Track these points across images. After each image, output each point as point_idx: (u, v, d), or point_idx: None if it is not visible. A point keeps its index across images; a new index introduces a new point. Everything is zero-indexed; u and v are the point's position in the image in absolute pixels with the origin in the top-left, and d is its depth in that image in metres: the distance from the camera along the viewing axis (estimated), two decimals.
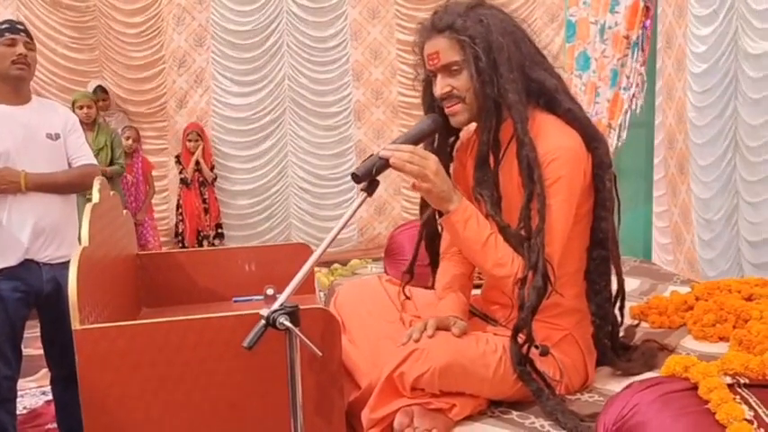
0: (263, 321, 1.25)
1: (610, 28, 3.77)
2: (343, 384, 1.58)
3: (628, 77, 3.68)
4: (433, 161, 1.49)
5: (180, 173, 5.58)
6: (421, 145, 1.58)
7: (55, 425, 2.64)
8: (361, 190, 1.45)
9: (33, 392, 3.37)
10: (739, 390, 1.15)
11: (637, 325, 2.05)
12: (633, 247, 3.97)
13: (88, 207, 1.76)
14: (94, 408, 1.44)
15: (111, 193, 2.13)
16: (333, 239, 1.37)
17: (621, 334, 1.88)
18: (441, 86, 1.59)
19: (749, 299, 2.10)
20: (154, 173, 5.30)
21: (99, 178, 2.00)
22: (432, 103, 1.67)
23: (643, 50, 3.67)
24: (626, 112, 3.77)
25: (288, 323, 1.25)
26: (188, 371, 1.47)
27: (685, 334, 2.05)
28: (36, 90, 2.50)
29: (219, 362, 1.48)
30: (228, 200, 5.91)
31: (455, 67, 1.56)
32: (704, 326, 1.99)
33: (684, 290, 2.31)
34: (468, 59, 1.54)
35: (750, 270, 3.45)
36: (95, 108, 4.45)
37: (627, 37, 3.66)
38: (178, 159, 5.61)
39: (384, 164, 1.45)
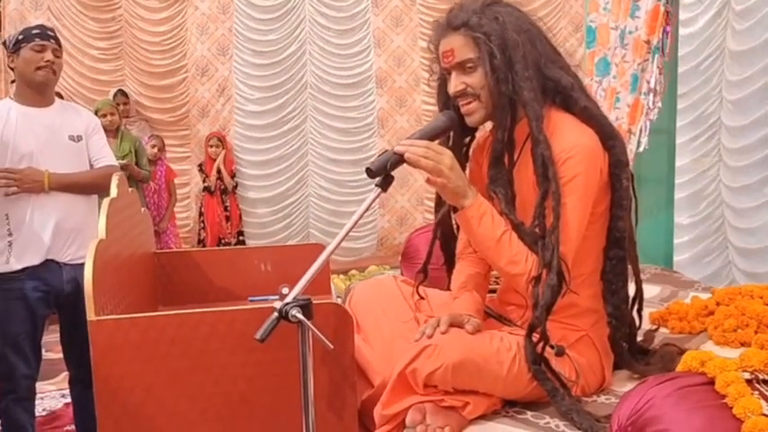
0: (275, 314, 1.25)
1: (630, 33, 3.75)
2: (356, 381, 1.57)
3: (648, 82, 3.66)
4: (447, 156, 1.48)
5: (203, 181, 5.63)
6: (436, 142, 1.57)
7: (73, 427, 2.66)
8: (376, 185, 1.45)
9: (53, 395, 3.40)
10: (758, 385, 1.13)
11: (656, 330, 2.01)
12: (654, 255, 3.91)
13: (106, 201, 1.78)
14: (107, 399, 1.44)
15: (130, 189, 2.16)
16: (348, 232, 1.39)
17: (640, 338, 1.85)
18: (455, 84, 1.59)
19: None
20: (176, 181, 5.35)
21: (117, 174, 2.02)
22: (446, 102, 1.67)
23: (664, 55, 3.65)
24: (645, 117, 3.75)
25: (300, 316, 1.25)
26: (201, 364, 1.47)
27: (706, 339, 2.01)
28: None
29: (232, 355, 1.48)
30: (248, 208, 5.92)
31: (470, 65, 1.56)
32: (725, 331, 1.95)
33: (706, 296, 2.27)
34: (482, 57, 1.53)
35: (743, 279, 3.38)
36: (118, 115, 4.51)
37: (647, 42, 3.64)
38: (201, 168, 5.67)
39: (399, 159, 1.45)
